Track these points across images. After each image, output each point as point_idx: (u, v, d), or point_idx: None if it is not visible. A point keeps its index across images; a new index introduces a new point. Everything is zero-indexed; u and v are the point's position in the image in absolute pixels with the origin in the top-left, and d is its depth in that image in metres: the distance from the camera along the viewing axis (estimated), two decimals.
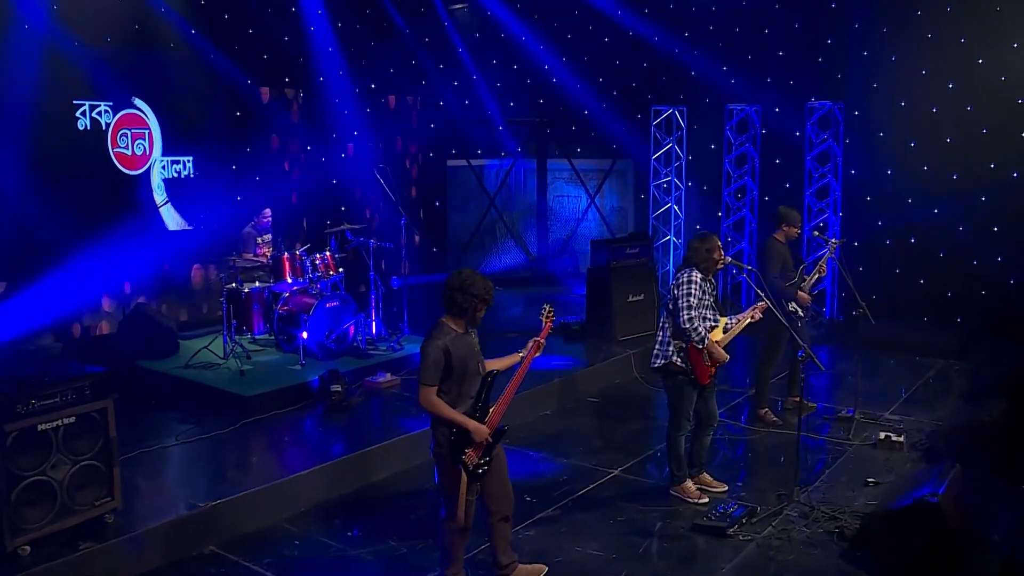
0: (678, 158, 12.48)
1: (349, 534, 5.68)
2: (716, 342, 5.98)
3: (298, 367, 8.12)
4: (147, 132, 9.88)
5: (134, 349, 8.41)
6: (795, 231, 7.71)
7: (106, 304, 9.31)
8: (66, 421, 4.93)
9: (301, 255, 8.49)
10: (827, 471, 6.72)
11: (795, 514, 5.91)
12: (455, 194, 14.02)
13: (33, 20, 8.54)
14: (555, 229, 14.54)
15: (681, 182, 12.57)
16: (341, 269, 8.84)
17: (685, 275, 5.97)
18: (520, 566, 5.05)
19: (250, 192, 10.84)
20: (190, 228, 10.19)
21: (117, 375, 7.88)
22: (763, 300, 6.23)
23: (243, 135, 10.79)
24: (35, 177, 8.73)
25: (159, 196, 10.00)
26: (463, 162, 13.90)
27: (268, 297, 8.55)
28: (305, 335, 8.19)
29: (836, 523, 5.74)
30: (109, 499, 5.18)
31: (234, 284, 8.44)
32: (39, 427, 4.80)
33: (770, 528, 5.73)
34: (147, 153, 9.89)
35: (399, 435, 6.93)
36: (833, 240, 8.15)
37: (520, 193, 14.62)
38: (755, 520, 5.82)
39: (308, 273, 8.43)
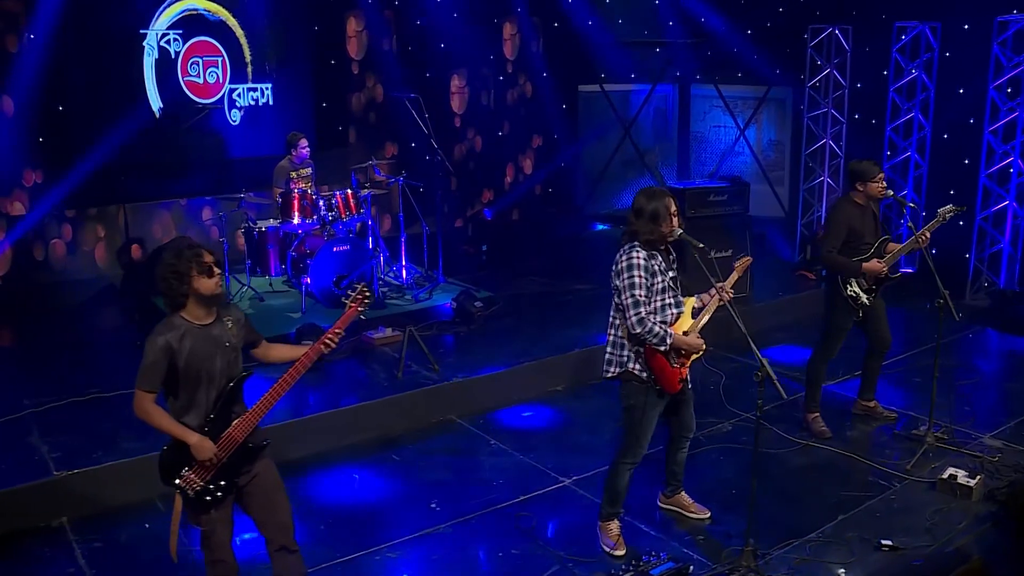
0: (839, 86, 10.29)
1: None
2: (684, 332, 4.50)
3: (297, 315, 7.57)
4: (220, 60, 9.60)
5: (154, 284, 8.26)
6: (876, 187, 5.76)
7: (163, 234, 9.28)
8: None
9: (314, 194, 7.84)
10: (840, 517, 5.04)
11: None
12: (587, 123, 12.65)
13: None
14: (706, 162, 12.77)
15: (842, 114, 10.38)
16: (363, 210, 8.07)
17: (624, 257, 4.42)
18: None
19: (333, 123, 10.40)
20: (264, 158, 9.89)
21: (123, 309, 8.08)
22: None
23: (327, 64, 10.27)
24: (103, 107, 8.81)
25: (233, 124, 9.77)
26: (595, 87, 12.45)
27: (284, 237, 8.01)
28: (309, 280, 7.60)
29: None
30: None
31: (248, 222, 7.99)
32: None
33: None
34: (220, 81, 9.64)
35: (339, 407, 6.16)
36: (950, 207, 6.01)
37: (665, 122, 12.95)
38: None
39: (320, 213, 7.77)
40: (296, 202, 7.74)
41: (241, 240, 8.40)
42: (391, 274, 8.51)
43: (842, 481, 5.47)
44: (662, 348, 4.37)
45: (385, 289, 8.25)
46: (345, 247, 7.68)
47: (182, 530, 4.00)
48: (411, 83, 10.65)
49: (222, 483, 3.73)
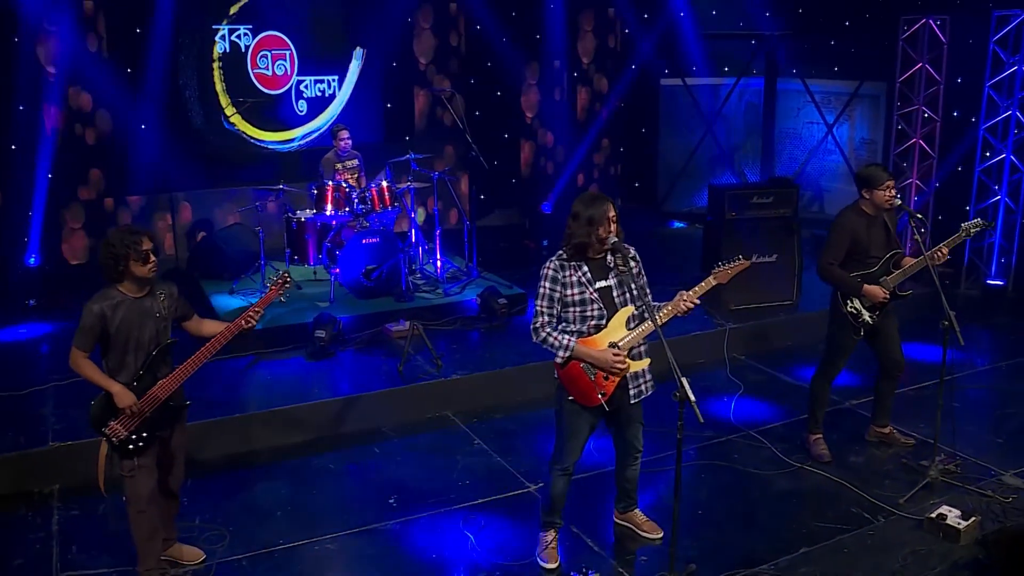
0: (933, 82, 9.55)
1: (183, 500, 5.20)
2: (616, 343, 4.29)
3: (325, 304, 7.78)
4: (288, 53, 9.96)
5: (207, 267, 8.70)
6: (882, 196, 5.31)
7: (227, 220, 9.71)
8: None
9: (346, 186, 8.02)
10: (803, 549, 4.71)
11: None
12: (668, 118, 12.30)
13: None
14: (794, 160, 12.17)
15: (935, 112, 9.64)
16: (397, 204, 8.18)
17: (543, 267, 4.40)
18: (178, 545, 4.65)
19: (400, 117, 10.55)
20: (330, 148, 10.18)
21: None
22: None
23: (395, 58, 10.43)
24: (174, 99, 9.32)
25: (300, 115, 10.11)
26: (678, 81, 12.07)
27: (321, 227, 8.23)
28: (336, 271, 7.80)
29: None
30: None
31: (288, 212, 8.26)
32: None
33: None
34: (288, 73, 10.00)
35: (335, 396, 6.29)
36: (975, 222, 5.47)
37: (757, 117, 12.41)
38: None
39: (352, 205, 7.94)
40: (329, 194, 7.94)
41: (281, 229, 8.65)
42: (428, 267, 8.59)
43: (822, 510, 5.11)
44: (557, 359, 4.31)
45: (421, 282, 8.34)
46: (375, 239, 7.81)
47: None
48: (479, 78, 10.75)
49: (144, 435, 4.14)
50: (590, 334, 4.32)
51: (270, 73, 9.89)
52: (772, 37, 11.46)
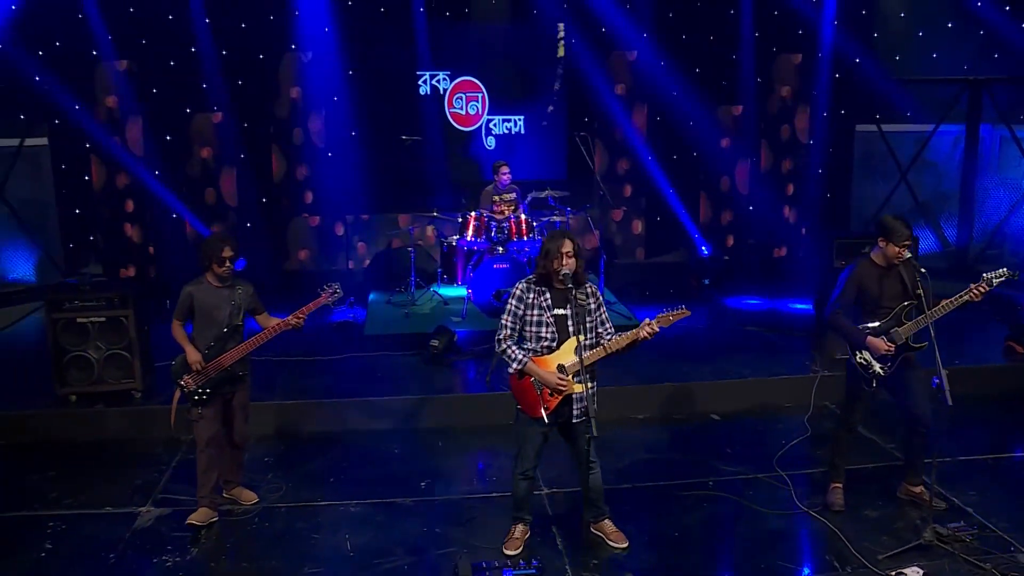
0: None
1: (267, 460, 6.57)
2: (563, 366, 4.90)
3: (457, 319, 8.86)
4: (480, 95, 11.31)
5: (376, 282, 10.20)
6: (897, 250, 5.33)
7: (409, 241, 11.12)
8: (97, 319, 7.00)
9: (486, 216, 9.05)
10: None
11: None
12: (863, 164, 11.98)
13: None
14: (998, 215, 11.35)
15: None
16: (533, 235, 9.06)
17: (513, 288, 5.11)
18: (240, 487, 5.89)
19: (580, 154, 11.40)
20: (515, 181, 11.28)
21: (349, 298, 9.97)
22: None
23: (577, 101, 11.35)
24: (385, 134, 11.01)
25: (488, 150, 11.40)
26: (873, 127, 11.73)
27: (467, 251, 9.35)
28: (469, 291, 8.85)
29: None
30: (131, 380, 7.15)
31: (443, 238, 9.48)
32: (77, 320, 6.99)
33: None
34: (479, 112, 11.35)
35: (419, 395, 7.32)
36: (1000, 272, 5.25)
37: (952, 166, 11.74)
38: None
39: (491, 233, 8.95)
40: (471, 221, 9.04)
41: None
42: None
43: (796, 553, 5.23)
44: (509, 370, 4.99)
45: None
46: (505, 265, 8.77)
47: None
48: (660, 124, 11.35)
49: (208, 390, 5.47)
50: (542, 354, 4.96)
51: (464, 112, 11.29)
52: (978, 82, 10.82)
